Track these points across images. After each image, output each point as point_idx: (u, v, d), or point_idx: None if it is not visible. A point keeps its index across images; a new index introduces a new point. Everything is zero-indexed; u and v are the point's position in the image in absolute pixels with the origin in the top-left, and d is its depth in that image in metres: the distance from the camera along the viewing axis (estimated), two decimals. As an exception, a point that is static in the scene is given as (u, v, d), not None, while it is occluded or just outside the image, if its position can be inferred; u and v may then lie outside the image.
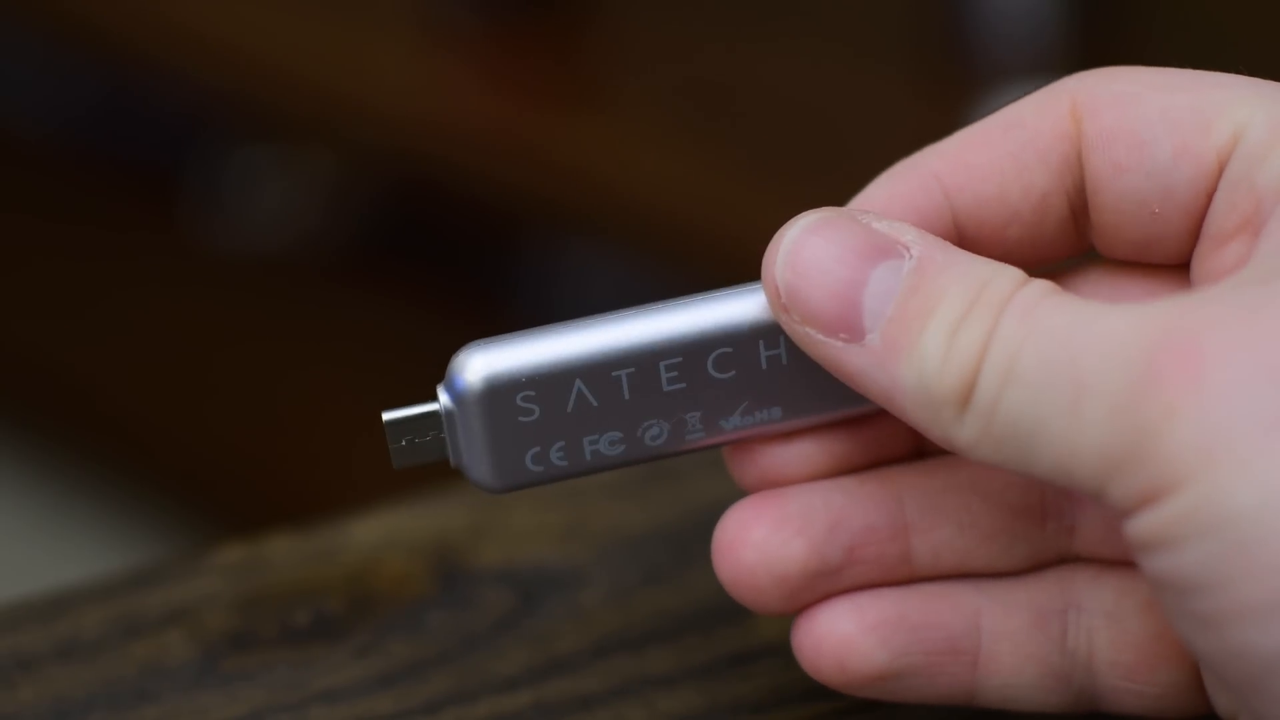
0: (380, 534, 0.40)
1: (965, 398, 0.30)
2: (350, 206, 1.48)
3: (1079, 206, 0.33)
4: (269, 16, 1.27)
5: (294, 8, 1.28)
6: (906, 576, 0.33)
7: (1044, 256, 0.33)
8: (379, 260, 1.47)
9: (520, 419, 0.32)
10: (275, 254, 1.47)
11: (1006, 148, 0.33)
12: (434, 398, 0.33)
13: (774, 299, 0.32)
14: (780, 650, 0.37)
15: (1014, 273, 0.30)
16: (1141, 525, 0.28)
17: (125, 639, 0.38)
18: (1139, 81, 0.32)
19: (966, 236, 0.33)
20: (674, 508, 0.40)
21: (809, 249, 0.31)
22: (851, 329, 0.31)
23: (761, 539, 0.33)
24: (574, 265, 1.32)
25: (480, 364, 0.32)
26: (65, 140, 1.59)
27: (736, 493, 0.34)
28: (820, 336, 0.31)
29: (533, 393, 0.32)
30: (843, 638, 0.33)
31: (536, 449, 0.33)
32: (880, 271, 0.31)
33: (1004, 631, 0.33)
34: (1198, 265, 0.32)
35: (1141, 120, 0.32)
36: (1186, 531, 0.27)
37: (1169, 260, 0.33)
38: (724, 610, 0.38)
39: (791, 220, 0.32)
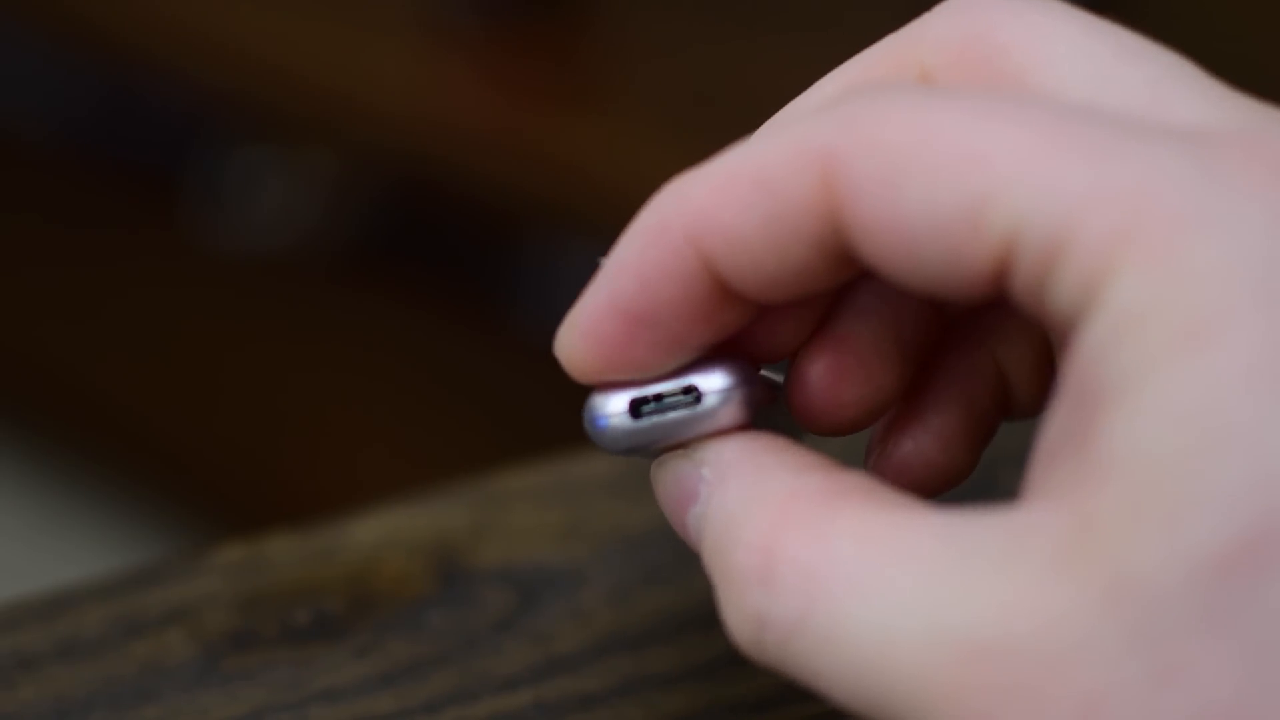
0: (380, 533, 0.40)
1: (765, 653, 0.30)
2: (351, 206, 1.48)
3: (850, 259, 0.30)
4: (269, 16, 1.28)
5: (294, 8, 1.28)
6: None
7: (821, 288, 0.31)
8: (379, 261, 1.47)
9: None
10: (275, 254, 1.47)
11: (755, 216, 0.29)
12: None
13: None
14: (780, 649, 0.37)
15: (764, 520, 0.29)
16: None
17: (126, 638, 0.38)
18: (899, 151, 0.28)
19: (733, 293, 0.31)
20: (674, 507, 0.40)
21: (660, 497, 0.32)
22: None
23: (855, 396, 0.32)
24: (574, 265, 1.32)
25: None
26: (65, 140, 1.59)
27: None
28: None
29: None
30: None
31: None
32: (690, 519, 0.31)
33: None
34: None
35: (903, 216, 0.28)
36: None
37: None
38: (724, 610, 0.38)
39: None
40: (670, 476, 0.32)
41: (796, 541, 0.29)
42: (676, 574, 0.39)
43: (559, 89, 1.21)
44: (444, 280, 1.44)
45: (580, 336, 0.31)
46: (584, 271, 0.33)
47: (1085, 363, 0.27)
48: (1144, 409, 0.26)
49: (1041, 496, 0.27)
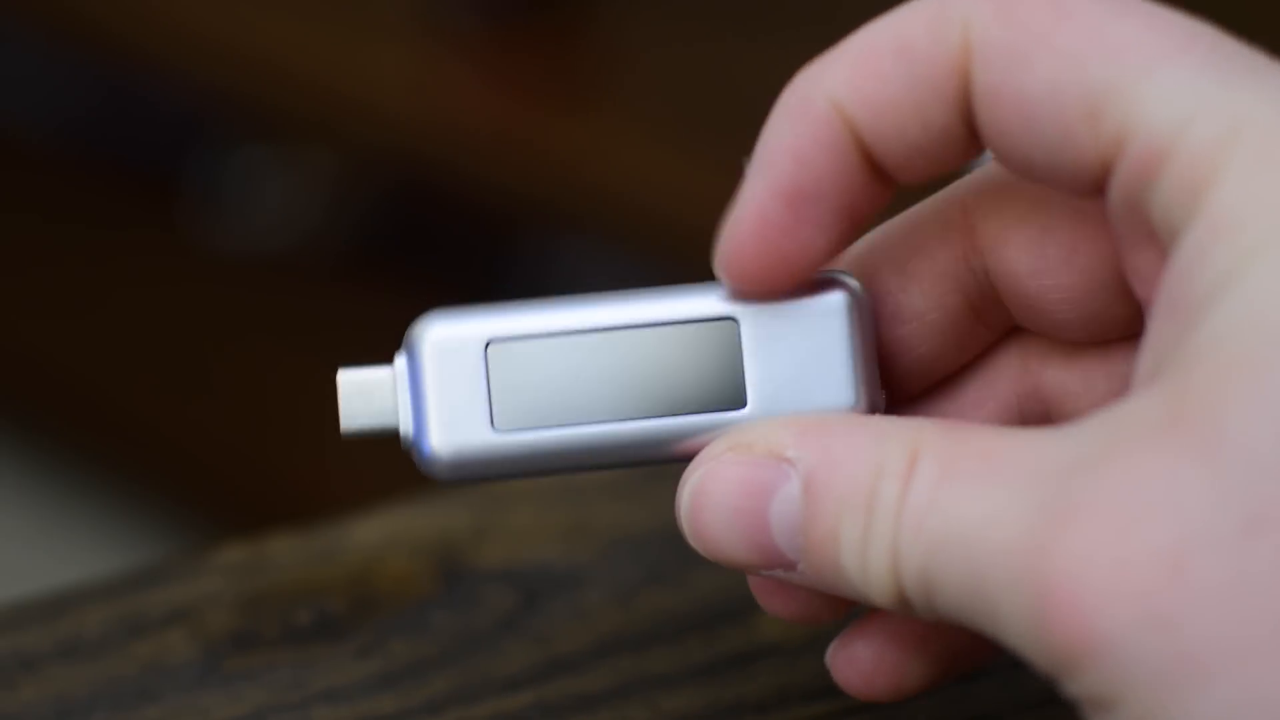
0: (382, 534, 0.40)
1: (905, 603, 0.30)
2: (350, 206, 1.48)
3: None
4: (269, 16, 1.28)
5: (294, 8, 1.28)
6: None
7: (959, 162, 0.32)
8: (379, 260, 1.47)
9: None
10: (275, 254, 1.47)
11: (900, 82, 0.30)
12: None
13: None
14: (782, 650, 0.37)
15: (899, 456, 0.29)
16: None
17: (127, 639, 0.38)
18: (1034, 27, 0.29)
19: (875, 163, 0.31)
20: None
21: (705, 514, 0.31)
22: (782, 564, 0.31)
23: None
24: (573, 265, 1.32)
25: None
26: (65, 140, 1.59)
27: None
28: (763, 573, 0.31)
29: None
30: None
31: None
32: (777, 506, 0.30)
33: None
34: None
35: (1028, 90, 0.29)
36: None
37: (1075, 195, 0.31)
38: (726, 610, 0.38)
39: (685, 475, 0.32)
40: (732, 478, 0.31)
41: (939, 448, 0.29)
42: (678, 575, 0.39)
43: (558, 89, 1.21)
44: (444, 280, 1.44)
45: (745, 228, 0.31)
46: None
47: (1183, 268, 0.28)
48: (1242, 295, 0.27)
49: (1144, 388, 0.28)
